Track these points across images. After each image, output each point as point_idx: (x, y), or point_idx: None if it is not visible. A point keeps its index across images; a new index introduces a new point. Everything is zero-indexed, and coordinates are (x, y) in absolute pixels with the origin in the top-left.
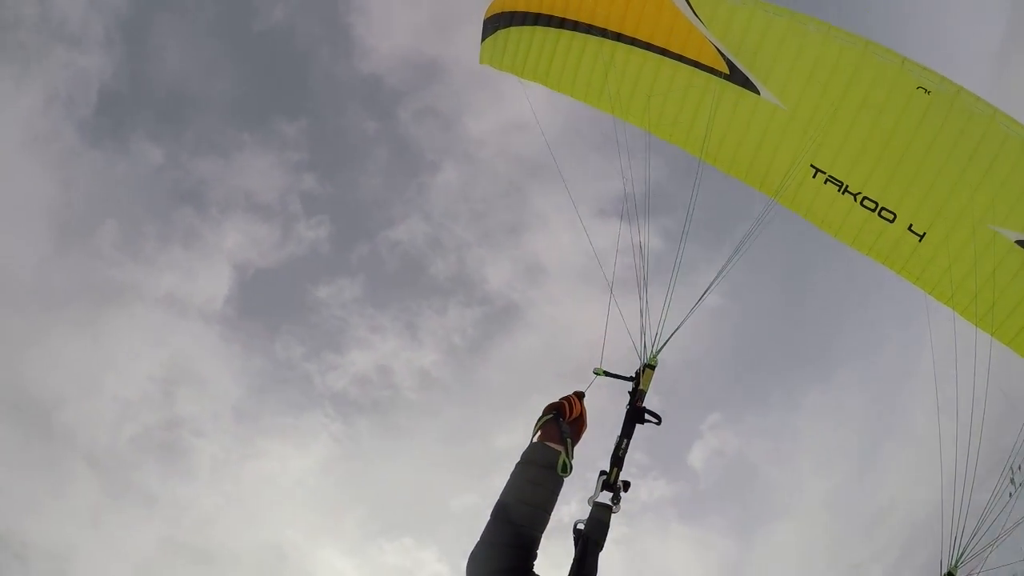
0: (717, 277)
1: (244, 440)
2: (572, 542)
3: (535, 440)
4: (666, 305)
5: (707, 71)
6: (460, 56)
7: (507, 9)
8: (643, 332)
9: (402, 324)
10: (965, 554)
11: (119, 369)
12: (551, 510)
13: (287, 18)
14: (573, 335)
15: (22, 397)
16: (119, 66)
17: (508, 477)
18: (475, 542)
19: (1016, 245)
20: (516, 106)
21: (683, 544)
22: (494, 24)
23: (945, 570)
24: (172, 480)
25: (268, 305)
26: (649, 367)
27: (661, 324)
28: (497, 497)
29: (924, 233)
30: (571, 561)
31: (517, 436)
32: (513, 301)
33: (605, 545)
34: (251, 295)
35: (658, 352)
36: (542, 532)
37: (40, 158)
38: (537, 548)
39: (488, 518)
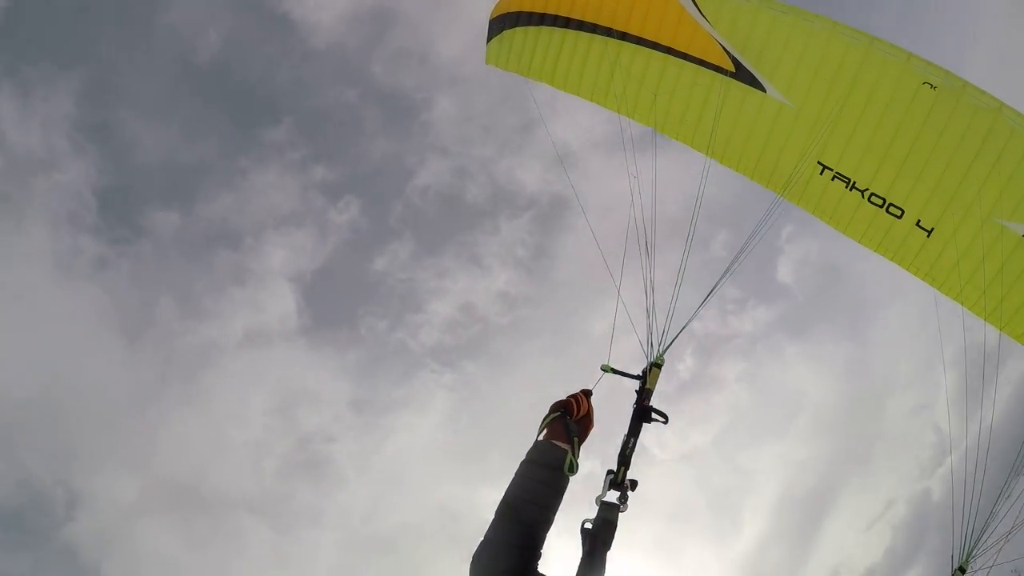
0: (724, 275)
1: (371, 427)
2: (580, 542)
3: (541, 438)
4: (673, 304)
5: (713, 69)
6: None
7: (513, 9)
8: (650, 331)
9: (464, 259)
10: (977, 548)
11: (236, 418)
12: (556, 509)
13: (228, 38)
14: (622, 201)
15: (172, 487)
16: (99, 163)
17: (513, 475)
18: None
19: (1023, 238)
20: (477, 15)
21: (803, 362)
22: (500, 25)
23: (956, 564)
24: (326, 491)
25: (337, 298)
26: (656, 366)
27: (668, 323)
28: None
29: (932, 228)
30: (579, 561)
31: (609, 320)
32: (556, 193)
33: (612, 544)
34: (318, 298)
35: (665, 351)
36: (547, 532)
37: (72, 277)
38: (542, 548)
39: (493, 516)
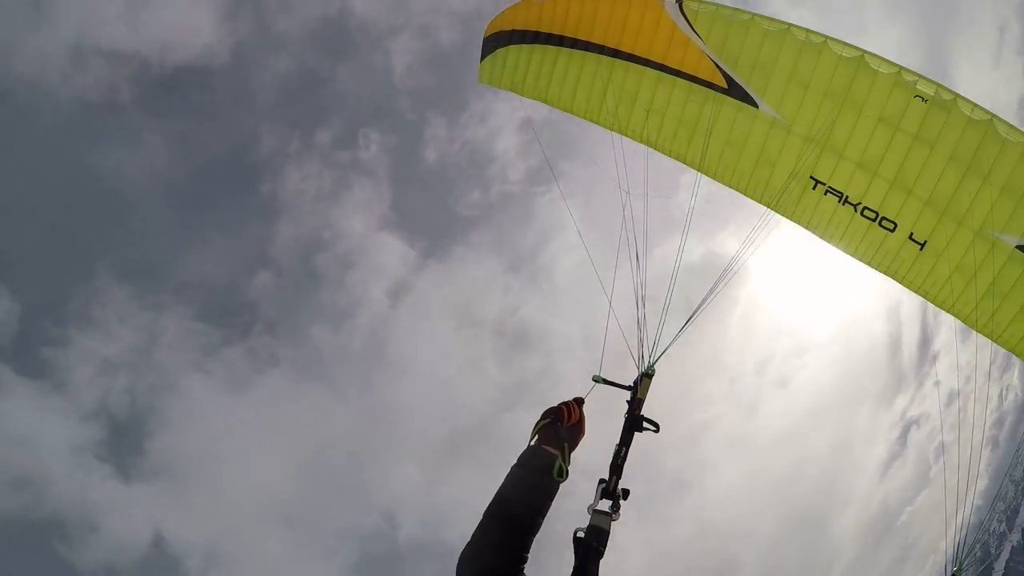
0: (715, 288)
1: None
2: (572, 551)
3: (532, 444)
4: (663, 315)
5: (705, 86)
6: None
7: (506, 28)
8: (641, 342)
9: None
10: (971, 555)
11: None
12: (545, 514)
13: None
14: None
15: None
16: None
17: (503, 479)
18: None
19: (1017, 250)
20: None
21: None
22: (493, 43)
23: (950, 572)
24: None
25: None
26: (647, 376)
27: (659, 334)
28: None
29: (925, 241)
30: (571, 569)
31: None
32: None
33: (605, 553)
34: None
35: (655, 362)
36: (534, 535)
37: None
38: (528, 552)
39: (481, 517)
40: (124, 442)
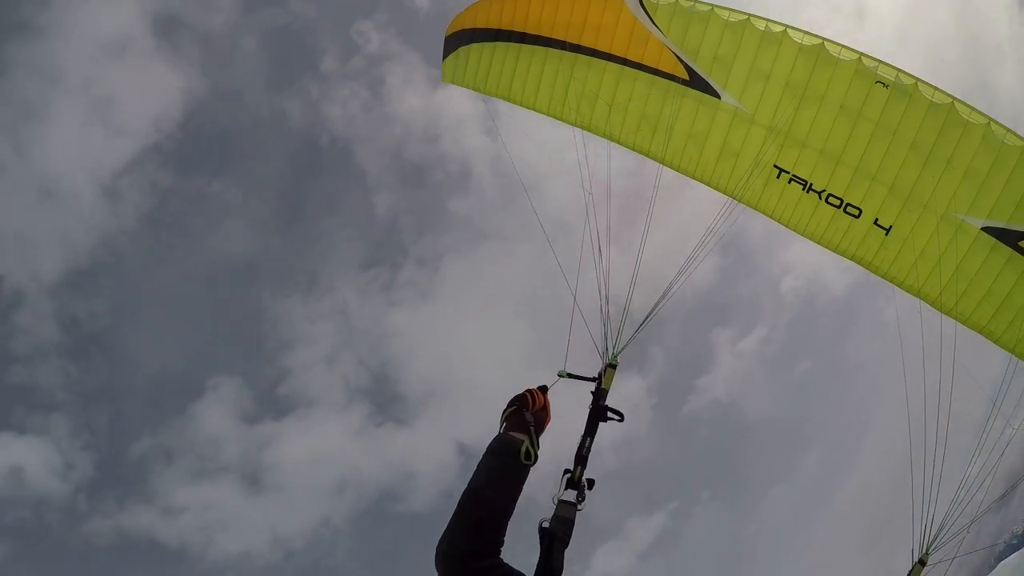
0: (680, 279)
1: None
2: (538, 540)
3: (501, 431)
4: (627, 306)
5: (667, 78)
6: None
7: (467, 26)
8: (605, 333)
9: None
10: (938, 540)
11: None
12: (516, 497)
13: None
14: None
15: None
16: None
17: (476, 466)
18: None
19: (982, 232)
20: None
21: None
22: (455, 42)
23: (917, 557)
24: None
25: None
26: (611, 366)
27: (622, 325)
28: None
29: (890, 226)
30: (537, 558)
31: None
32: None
33: (570, 542)
34: None
35: (619, 352)
36: (507, 519)
37: None
38: (503, 535)
39: (456, 505)
40: (386, 402)
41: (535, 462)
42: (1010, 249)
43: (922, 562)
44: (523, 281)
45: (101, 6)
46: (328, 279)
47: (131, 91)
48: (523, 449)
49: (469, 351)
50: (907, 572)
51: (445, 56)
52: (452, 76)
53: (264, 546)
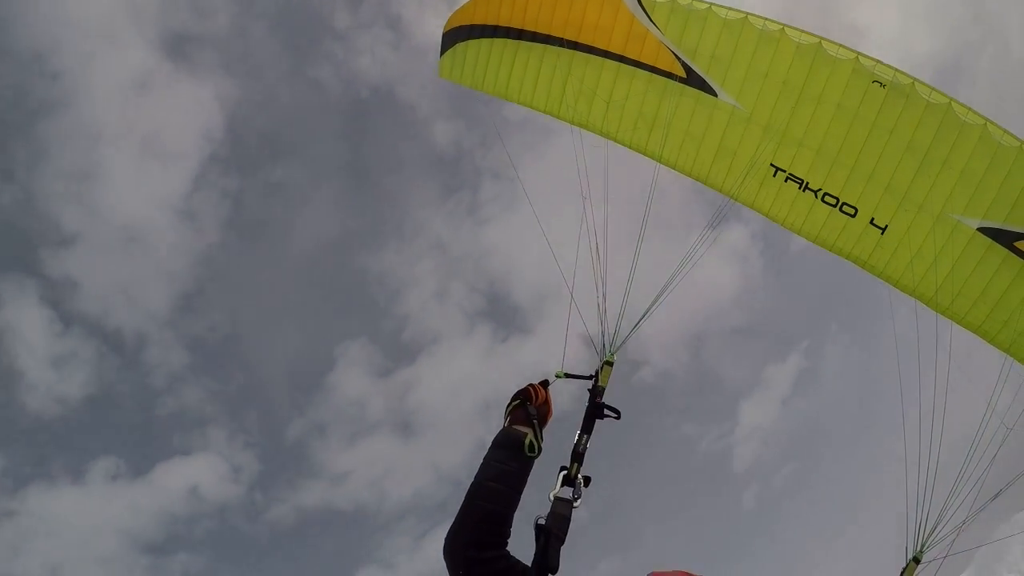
0: (676, 277)
1: None
2: (534, 537)
3: (505, 425)
4: (624, 304)
5: (664, 76)
6: None
7: (465, 23)
8: (603, 331)
9: None
10: (931, 538)
11: None
12: (521, 489)
13: None
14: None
15: None
16: None
17: (481, 460)
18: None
19: (978, 232)
20: None
21: None
22: (453, 38)
23: (911, 555)
24: None
25: None
26: (608, 364)
27: (619, 322)
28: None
29: (886, 226)
30: (533, 555)
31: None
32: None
33: (566, 539)
34: None
35: (616, 350)
36: (513, 511)
37: None
38: (509, 527)
39: (463, 499)
40: (504, 317)
41: (539, 454)
42: (1006, 250)
43: (916, 560)
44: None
45: (107, 56)
46: (414, 221)
47: (170, 117)
48: (527, 442)
49: (565, 243)
50: (901, 570)
51: (443, 51)
52: (450, 72)
53: (431, 484)
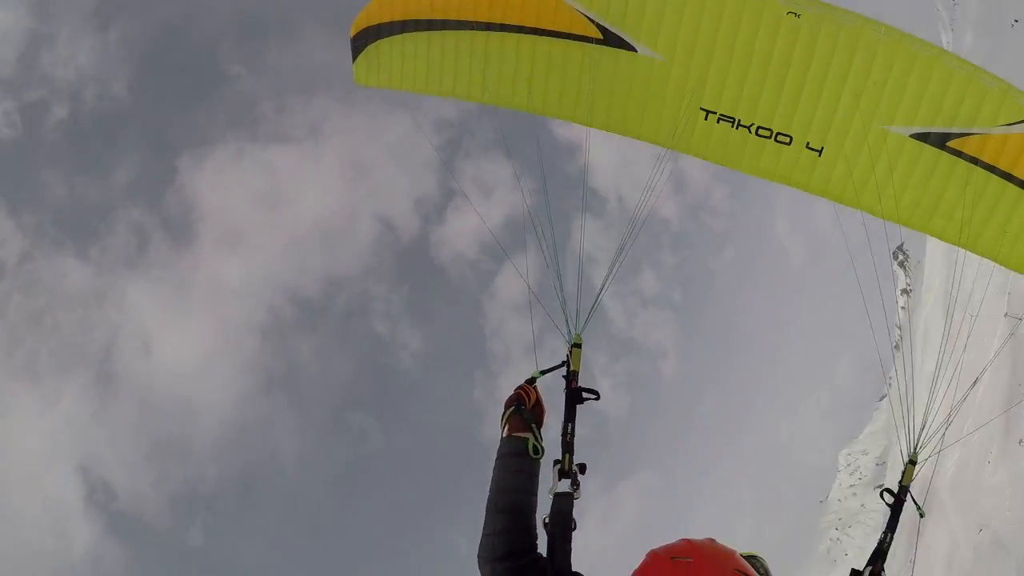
0: (627, 243)
1: None
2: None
3: (504, 435)
4: (579, 280)
5: (580, 40)
6: None
7: (372, 23)
8: (564, 313)
9: None
10: (923, 436)
11: None
12: (536, 492)
13: None
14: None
15: None
16: None
17: (491, 474)
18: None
19: (911, 138)
20: None
21: None
22: (362, 41)
23: (907, 459)
24: None
25: None
26: (576, 346)
27: (578, 301)
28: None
29: (822, 148)
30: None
31: None
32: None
33: (572, 535)
34: None
35: (581, 330)
36: (534, 514)
37: None
38: (535, 530)
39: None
40: None
41: (543, 454)
42: (939, 150)
43: (912, 461)
44: None
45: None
46: None
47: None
48: (530, 445)
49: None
50: (901, 475)
51: (355, 57)
52: (365, 77)
53: None
